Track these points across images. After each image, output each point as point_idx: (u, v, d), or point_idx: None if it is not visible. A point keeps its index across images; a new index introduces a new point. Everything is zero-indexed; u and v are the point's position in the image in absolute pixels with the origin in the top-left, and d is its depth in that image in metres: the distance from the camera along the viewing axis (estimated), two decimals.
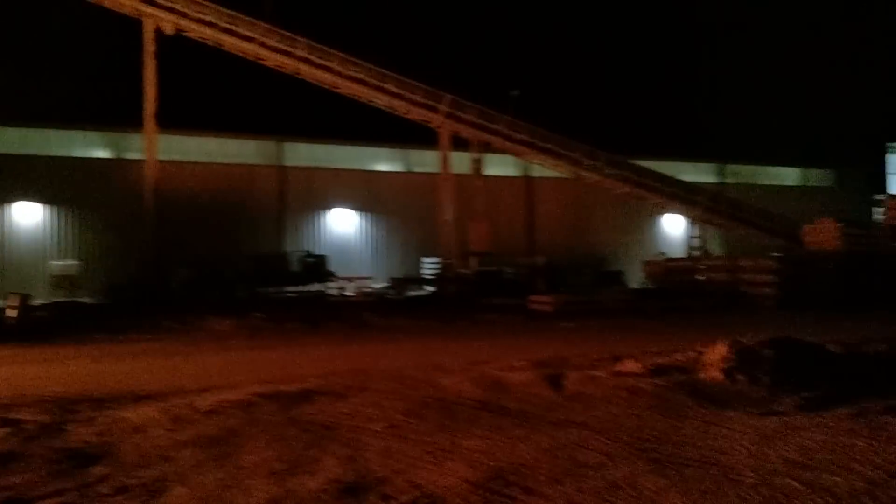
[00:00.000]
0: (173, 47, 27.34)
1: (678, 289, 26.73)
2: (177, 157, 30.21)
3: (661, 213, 40.08)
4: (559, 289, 25.68)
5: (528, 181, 39.30)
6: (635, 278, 34.23)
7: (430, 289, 30.49)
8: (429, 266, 33.12)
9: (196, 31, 27.75)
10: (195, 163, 31.55)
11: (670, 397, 7.29)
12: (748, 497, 4.43)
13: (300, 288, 28.16)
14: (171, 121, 26.96)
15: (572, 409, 7.00)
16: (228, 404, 7.17)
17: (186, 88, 28.91)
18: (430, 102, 30.86)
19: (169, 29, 27.29)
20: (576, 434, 5.99)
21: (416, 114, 30.96)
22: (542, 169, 35.64)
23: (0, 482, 5.24)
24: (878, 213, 29.15)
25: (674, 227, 41.10)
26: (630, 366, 8.76)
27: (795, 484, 4.65)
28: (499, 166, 38.10)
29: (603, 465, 5.09)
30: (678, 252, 36.55)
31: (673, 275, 29.50)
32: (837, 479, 4.75)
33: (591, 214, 39.40)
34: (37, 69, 29.23)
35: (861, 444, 5.59)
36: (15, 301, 16.55)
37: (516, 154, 33.50)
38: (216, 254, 28.58)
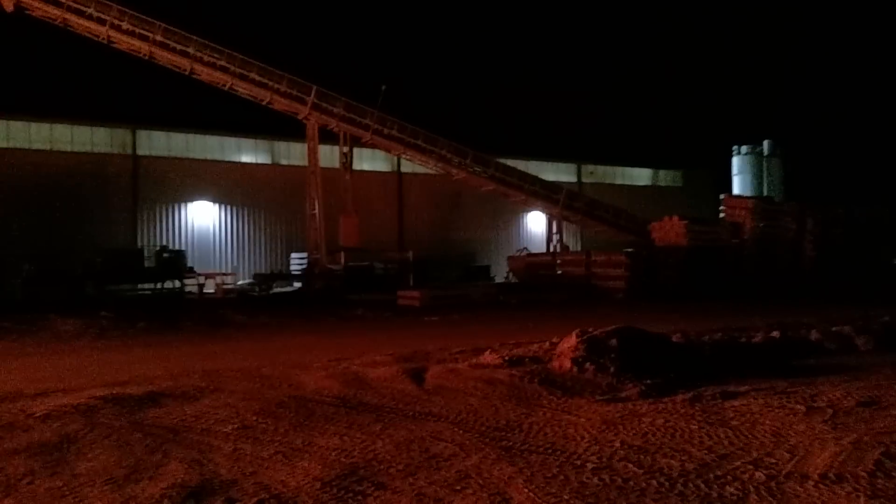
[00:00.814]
0: (16, 25, 25.26)
1: (539, 283, 27.74)
2: (19, 145, 27.97)
3: (525, 210, 41.45)
4: (427, 283, 25.98)
5: (397, 177, 39.45)
6: (501, 273, 35.21)
7: (298, 285, 29.93)
8: (297, 262, 32.49)
9: (40, 10, 25.78)
10: (40, 150, 29.31)
11: (524, 387, 7.54)
12: (588, 481, 4.66)
13: (156, 285, 26.78)
14: (12, 105, 24.89)
15: (431, 402, 7.09)
16: (67, 409, 6.71)
17: (30, 71, 26.79)
18: (296, 93, 30.24)
19: (7, 5, 25.21)
20: (432, 427, 6.07)
21: (282, 104, 30.25)
22: (412, 165, 35.89)
23: None
24: (721, 212, 31.55)
25: (536, 223, 42.60)
26: (488, 358, 8.99)
27: (633, 468, 4.94)
28: (369, 161, 38.00)
29: (455, 456, 5.19)
30: (540, 248, 37.92)
31: (534, 269, 30.55)
32: (672, 461, 5.09)
33: (459, 211, 40.11)
34: None
35: (695, 427, 6.02)
36: None
37: (385, 149, 33.51)
38: (63, 249, 26.66)
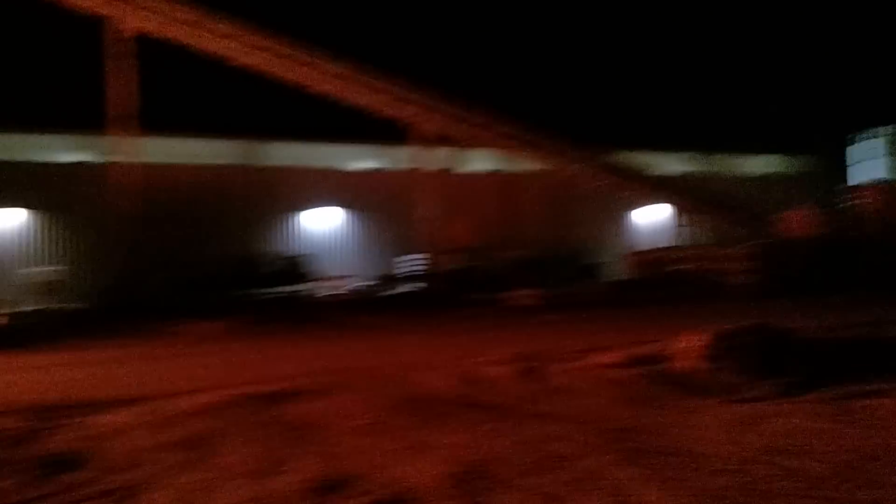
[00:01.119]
0: (145, 49, 27.11)
1: (656, 280, 26.98)
2: (158, 160, 29.97)
3: (639, 204, 40.40)
4: (538, 283, 25.82)
5: (504, 176, 39.41)
6: (613, 270, 34.49)
7: (409, 287, 30.51)
8: (406, 264, 33.13)
9: (164, 32, 27.49)
10: (175, 165, 31.35)
11: (647, 387, 7.37)
12: (722, 484, 4.50)
13: (278, 289, 28.06)
14: (151, 123, 26.72)
15: (550, 401, 7.06)
16: (207, 406, 7.16)
17: (163, 91, 28.68)
18: (404, 98, 30.83)
19: (132, 31, 26.91)
20: (553, 426, 6.05)
21: (391, 110, 30.92)
22: (519, 163, 35.78)
23: None
24: (847, 201, 29.62)
25: (651, 218, 41.41)
26: (608, 357, 8.85)
27: (770, 470, 4.73)
28: (475, 161, 38.20)
29: (578, 456, 5.15)
30: (653, 243, 36.87)
31: (651, 265, 29.74)
32: (813, 463, 4.84)
33: (569, 208, 39.60)
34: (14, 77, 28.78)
35: (838, 427, 5.69)
36: (1, 308, 16.55)
37: (494, 148, 33.59)
38: (194, 257, 28.39)
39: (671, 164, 42.56)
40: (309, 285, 29.18)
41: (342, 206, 35.66)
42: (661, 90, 55.06)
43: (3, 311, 16.85)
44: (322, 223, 35.25)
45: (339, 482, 4.73)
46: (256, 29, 28.64)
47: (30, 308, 22.58)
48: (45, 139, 29.82)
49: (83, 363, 12.20)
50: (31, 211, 28.65)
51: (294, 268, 29.05)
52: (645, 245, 36.07)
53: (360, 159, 37.10)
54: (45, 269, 27.50)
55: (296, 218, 34.62)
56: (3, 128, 28.47)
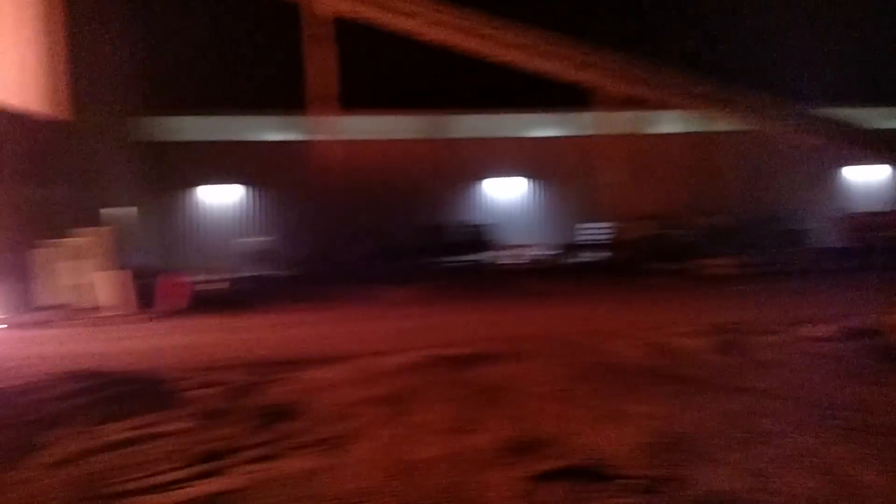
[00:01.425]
0: (341, 29, 28.51)
1: (870, 246, 24.41)
2: (354, 137, 31.64)
3: (850, 164, 36.65)
4: (736, 250, 24.34)
5: (697, 137, 37.33)
6: (821, 236, 31.65)
7: (595, 255, 30.00)
8: (590, 231, 32.55)
9: (357, 13, 28.69)
10: (369, 141, 32.99)
11: (861, 362, 6.76)
12: None
13: (464, 257, 28.79)
14: (348, 101, 28.14)
15: (755, 376, 6.69)
16: (404, 366, 7.56)
17: (358, 69, 30.08)
18: (588, 63, 30.03)
19: (328, 13, 28.31)
20: (754, 401, 5.74)
21: (575, 75, 30.25)
22: (711, 123, 33.67)
23: (215, 433, 5.92)
24: None
25: (865, 179, 37.44)
26: (817, 329, 8.21)
27: None
28: (664, 123, 36.50)
29: (784, 433, 4.85)
30: (868, 207, 33.30)
31: (863, 231, 26.96)
32: None
33: (770, 169, 36.79)
34: (222, 59, 31.57)
35: None
36: (223, 273, 18.44)
37: (685, 108, 31.87)
38: (387, 227, 29.85)
39: (889, 120, 38.08)
40: (492, 254, 29.67)
41: (525, 174, 35.71)
42: (875, 38, 49.13)
43: (224, 277, 18.74)
44: (505, 192, 35.55)
45: (532, 445, 4.82)
46: (440, 4, 29.17)
47: (246, 274, 24.98)
48: (258, 120, 32.56)
49: (293, 324, 13.32)
50: (245, 186, 31.57)
51: (478, 237, 29.68)
52: (857, 209, 32.72)
53: (544, 127, 36.84)
54: (258, 239, 30.23)
55: (480, 188, 35.20)
56: (222, 110, 31.43)
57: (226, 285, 18.47)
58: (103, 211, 19.56)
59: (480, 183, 35.45)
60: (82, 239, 16.18)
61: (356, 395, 6.67)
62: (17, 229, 15.87)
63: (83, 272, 16.02)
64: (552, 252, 31.98)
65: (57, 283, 15.92)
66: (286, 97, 29.63)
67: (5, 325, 14.34)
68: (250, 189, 31.65)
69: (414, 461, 4.74)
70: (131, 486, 4.85)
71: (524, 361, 7.65)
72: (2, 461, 5.45)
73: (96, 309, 15.60)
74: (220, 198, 31.19)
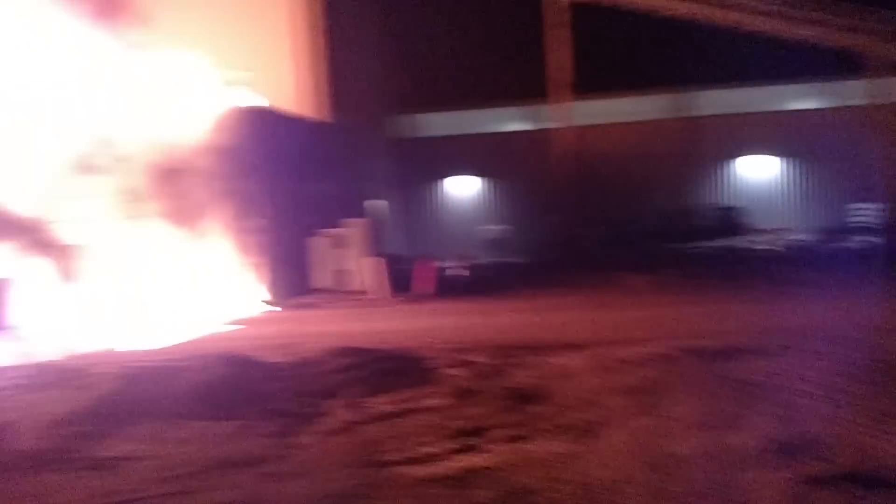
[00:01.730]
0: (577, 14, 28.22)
1: None
2: (590, 122, 31.37)
3: None
4: None
5: None
6: None
7: (864, 240, 26.74)
8: (859, 213, 29.00)
9: None
10: (607, 124, 32.43)
11: None
12: None
13: (711, 243, 27.16)
14: (584, 86, 27.91)
15: None
16: (650, 356, 7.38)
17: (602, 52, 29.66)
18: (855, 24, 26.72)
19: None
20: None
21: (838, 41, 27.09)
22: None
23: (468, 411, 6.26)
24: None
25: None
26: None
27: None
28: None
29: None
30: None
31: None
32: None
33: None
34: (461, 55, 32.78)
35: None
36: (465, 261, 19.37)
37: None
38: (625, 212, 29.14)
39: None
40: (744, 238, 27.68)
41: (780, 151, 32.80)
42: None
43: (467, 264, 19.56)
44: (758, 172, 32.95)
45: (801, 446, 4.49)
46: None
47: (487, 261, 25.85)
48: (500, 112, 33.42)
49: (533, 310, 13.58)
50: (486, 177, 32.64)
51: (728, 220, 27.78)
52: None
53: (801, 99, 33.54)
54: (495, 227, 31.13)
55: (729, 167, 33.00)
56: (467, 104, 32.68)
57: (469, 272, 19.30)
58: (366, 203, 21.38)
59: (730, 162, 33.23)
60: (346, 229, 17.84)
61: (601, 383, 6.66)
62: (294, 221, 17.88)
63: (346, 259, 17.68)
64: (814, 237, 29.11)
65: (324, 269, 17.74)
66: (525, 87, 30.01)
67: (279, 308, 16.26)
68: (491, 179, 32.67)
69: (669, 454, 4.63)
70: (396, 456, 5.29)
71: (782, 356, 7.10)
72: (290, 426, 6.23)
73: (357, 293, 17.13)
74: (464, 189, 32.59)
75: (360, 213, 19.31)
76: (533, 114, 32.29)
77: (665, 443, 4.84)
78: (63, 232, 16.50)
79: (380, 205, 25.34)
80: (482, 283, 18.96)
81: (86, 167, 15.73)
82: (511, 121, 33.50)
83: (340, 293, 17.22)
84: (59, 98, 15.78)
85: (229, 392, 7.11)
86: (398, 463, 5.12)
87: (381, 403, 6.84)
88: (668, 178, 32.00)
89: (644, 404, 5.83)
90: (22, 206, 15.87)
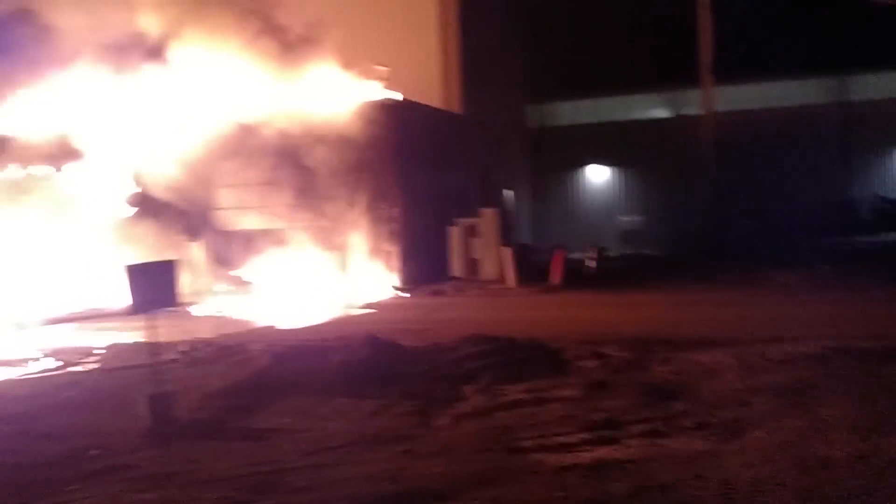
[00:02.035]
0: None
1: None
2: (732, 108, 29.84)
3: None
4: None
5: None
6: None
7: None
8: None
9: None
10: (749, 111, 30.65)
11: None
12: None
13: (874, 237, 24.98)
14: (726, 72, 26.59)
15: None
16: (800, 355, 6.99)
17: (738, 36, 28.15)
18: None
19: None
20: None
21: None
22: None
23: (603, 404, 6.18)
24: None
25: None
26: None
27: None
28: None
29: None
30: None
31: None
32: None
33: None
34: (594, 42, 31.95)
35: None
36: (593, 252, 19.03)
37: None
38: (774, 203, 27.45)
39: None
40: None
41: None
42: None
43: (595, 256, 19.12)
44: None
45: None
46: None
47: (621, 253, 25.18)
48: (635, 99, 32.33)
49: (672, 304, 13.16)
50: (616, 167, 31.68)
51: (893, 213, 25.34)
52: None
53: None
54: (630, 218, 30.17)
55: (892, 157, 30.29)
56: (601, 92, 31.85)
57: (598, 263, 18.93)
58: (498, 193, 21.43)
59: (893, 151, 30.53)
60: (478, 219, 18.00)
61: (746, 381, 6.37)
62: (428, 211, 18.24)
63: (478, 248, 17.85)
64: None
65: (458, 257, 17.99)
66: (663, 73, 28.98)
67: (410, 294, 16.65)
68: (625, 168, 31.69)
69: (820, 457, 4.37)
70: (529, 443, 5.31)
71: None
72: (427, 408, 6.40)
73: (487, 281, 17.27)
74: (597, 178, 31.84)
75: (492, 202, 19.39)
76: (671, 100, 31.12)
77: (815, 445, 4.57)
78: (228, 218, 17.75)
79: (510, 195, 25.34)
80: (614, 274, 18.57)
81: (243, 157, 16.86)
82: (646, 108, 32.40)
83: (471, 281, 17.42)
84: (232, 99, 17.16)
85: (369, 372, 7.39)
86: (532, 450, 5.13)
87: (515, 391, 6.87)
88: (826, 167, 29.73)
89: (793, 405, 5.52)
90: (195, 195, 17.25)
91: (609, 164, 31.63)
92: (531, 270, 17.39)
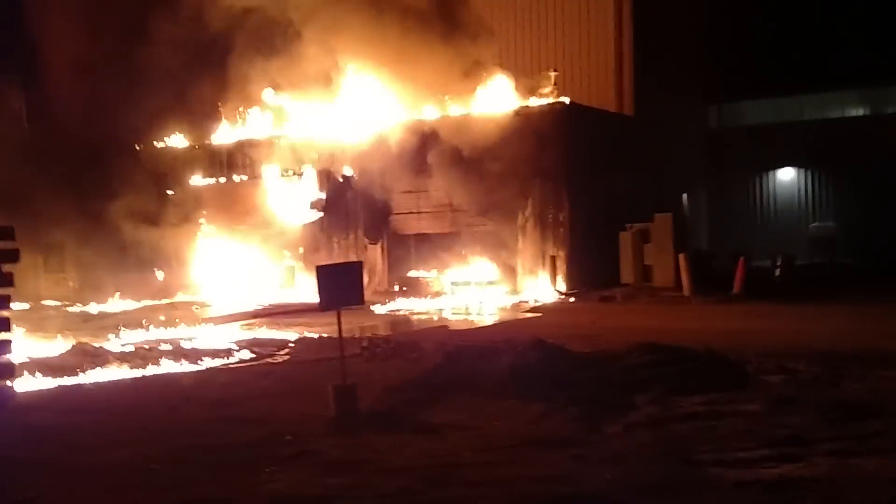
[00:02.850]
0: None
1: None
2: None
3: None
4: None
5: None
6: None
7: None
8: None
9: None
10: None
11: None
12: None
13: None
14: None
15: None
16: None
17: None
18: None
19: None
20: None
21: None
22: None
23: (781, 421, 5.84)
24: None
25: None
26: None
27: None
28: None
29: None
30: None
31: None
32: None
33: None
34: (775, 38, 29.71)
35: None
36: (779, 260, 17.86)
37: None
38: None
39: None
40: None
41: None
42: None
43: (780, 264, 17.94)
44: None
45: None
46: None
47: (803, 262, 23.28)
48: (822, 98, 29.82)
49: (864, 316, 12.11)
50: (805, 169, 29.18)
51: None
52: None
53: None
54: (818, 224, 27.75)
55: None
56: (781, 91, 29.69)
57: (788, 272, 17.70)
58: (673, 198, 20.63)
59: None
60: (651, 224, 17.48)
61: None
62: (599, 215, 17.97)
63: (650, 254, 17.34)
64: None
65: (629, 263, 17.56)
66: (863, 69, 26.57)
67: (576, 299, 16.49)
68: (816, 170, 29.10)
69: None
70: (707, 457, 5.12)
71: None
72: (596, 414, 6.35)
73: (659, 289, 16.72)
74: (784, 181, 29.49)
75: (666, 207, 18.73)
76: (869, 97, 28.45)
77: None
78: (404, 222, 18.57)
79: (686, 199, 24.35)
80: (802, 284, 17.29)
81: (418, 164, 17.59)
82: (841, 106, 29.80)
83: (642, 288, 16.95)
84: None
85: (538, 376, 7.44)
86: (710, 464, 4.95)
87: (690, 403, 6.65)
88: None
89: None
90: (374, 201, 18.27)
91: (797, 166, 29.19)
92: (708, 278, 16.61)
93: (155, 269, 20.70)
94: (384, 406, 6.82)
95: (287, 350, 10.79)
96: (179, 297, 19.45)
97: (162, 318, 14.41)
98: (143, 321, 13.93)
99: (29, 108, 22.40)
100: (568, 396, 6.86)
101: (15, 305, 19.18)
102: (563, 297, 16.79)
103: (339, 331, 6.91)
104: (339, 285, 6.57)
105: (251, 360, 10.38)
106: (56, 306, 18.51)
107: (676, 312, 13.97)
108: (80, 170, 20.29)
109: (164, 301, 18.92)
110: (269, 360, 10.29)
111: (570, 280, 17.28)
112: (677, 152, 24.85)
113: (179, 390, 8.22)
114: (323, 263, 6.76)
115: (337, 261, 18.89)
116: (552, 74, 18.30)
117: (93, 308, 17.80)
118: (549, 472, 4.80)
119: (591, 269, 17.59)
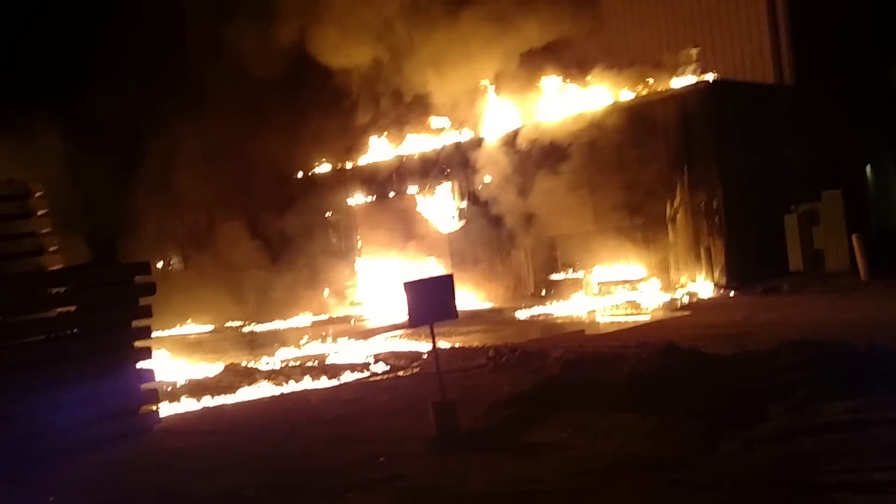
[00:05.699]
0: None
1: None
2: None
3: None
4: None
5: None
6: None
7: None
8: None
9: None
10: None
11: None
12: None
13: None
14: None
15: None
16: None
17: None
18: None
19: None
20: None
21: None
22: None
23: None
24: None
25: None
26: None
27: None
28: None
29: None
30: None
31: None
32: None
33: None
34: None
35: None
36: None
37: None
38: None
39: None
40: None
41: None
42: None
43: None
44: None
45: None
46: None
47: None
48: None
49: None
50: None
51: None
52: None
53: None
54: None
55: None
56: None
57: None
58: (844, 173, 18.46)
59: None
60: (819, 203, 15.73)
61: None
62: (758, 198, 16.41)
63: (820, 237, 15.59)
64: None
65: (796, 249, 15.88)
66: None
67: (735, 293, 15.11)
68: None
69: None
70: (834, 478, 4.38)
71: None
72: (716, 429, 5.66)
73: (830, 275, 14.97)
74: None
75: (842, 183, 16.70)
76: None
77: None
78: (546, 224, 18.17)
79: (870, 171, 21.74)
80: None
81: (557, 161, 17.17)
82: None
83: (813, 276, 15.24)
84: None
85: (661, 385, 6.83)
86: (833, 487, 4.22)
87: (833, 411, 5.77)
88: None
89: None
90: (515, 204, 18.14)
91: None
92: (891, 261, 14.59)
93: (323, 286, 21.86)
94: (487, 423, 6.54)
95: (419, 362, 10.79)
96: (341, 312, 20.30)
97: (324, 333, 15.13)
98: (304, 338, 14.66)
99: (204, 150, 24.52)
100: (688, 408, 6.21)
101: (199, 328, 21.04)
102: (722, 290, 15.51)
103: (434, 345, 6.73)
104: (430, 300, 6.40)
105: (383, 373, 10.49)
106: (236, 326, 19.96)
107: (849, 301, 12.38)
108: (250, 198, 22.18)
109: (325, 316, 19.81)
110: (400, 373, 10.34)
111: (729, 272, 15.91)
112: (854, 120, 22.17)
113: (305, 408, 8.44)
114: (410, 279, 6.59)
115: (482, 268, 19.00)
116: (693, 52, 17.06)
117: (265, 327, 19.00)
118: (633, 501, 4.30)
119: (752, 258, 16.07)
